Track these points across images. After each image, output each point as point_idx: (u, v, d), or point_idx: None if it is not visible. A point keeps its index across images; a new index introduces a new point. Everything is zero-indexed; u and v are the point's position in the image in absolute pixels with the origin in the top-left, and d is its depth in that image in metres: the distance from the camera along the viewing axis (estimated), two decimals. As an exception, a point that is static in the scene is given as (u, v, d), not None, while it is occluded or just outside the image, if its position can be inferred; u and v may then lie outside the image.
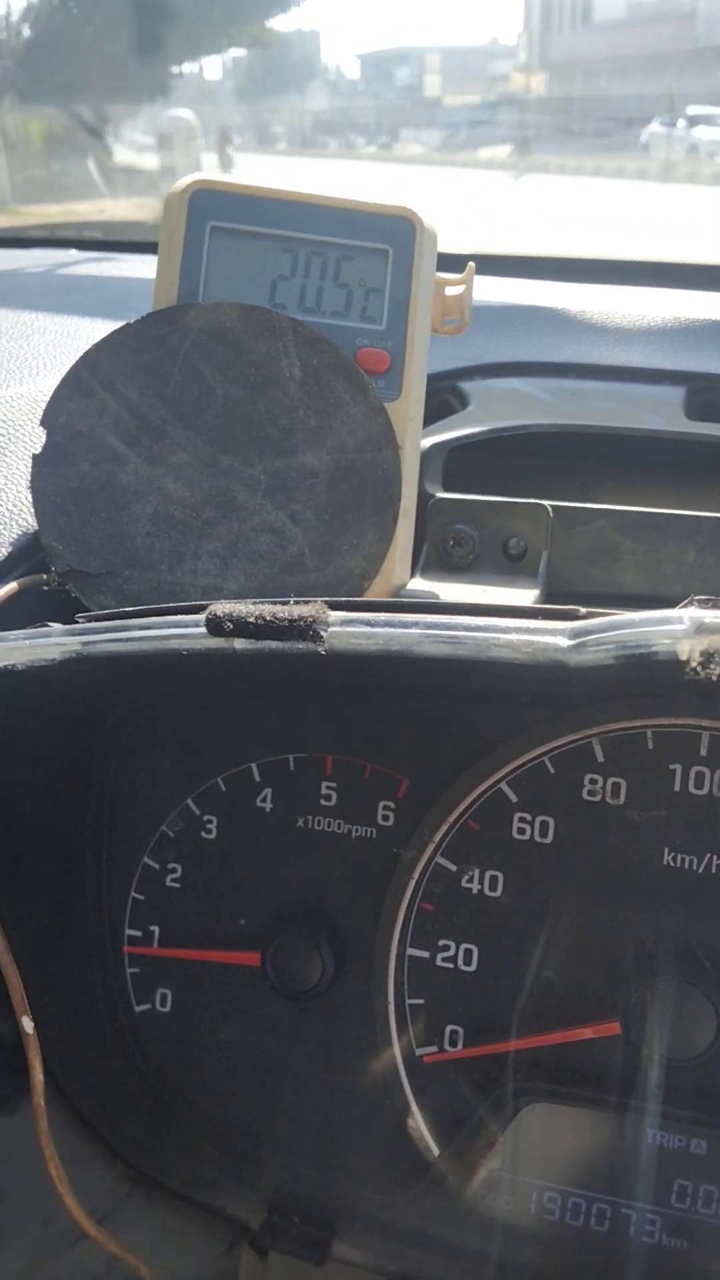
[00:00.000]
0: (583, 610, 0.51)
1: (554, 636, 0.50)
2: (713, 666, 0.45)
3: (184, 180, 0.81)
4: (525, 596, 0.78)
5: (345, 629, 0.53)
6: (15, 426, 0.86)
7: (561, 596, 0.81)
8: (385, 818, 0.77)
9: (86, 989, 0.81)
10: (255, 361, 0.78)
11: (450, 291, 0.86)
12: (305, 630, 0.52)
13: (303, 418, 0.78)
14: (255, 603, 0.53)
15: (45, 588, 0.75)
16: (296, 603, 0.53)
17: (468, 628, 0.51)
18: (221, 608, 0.53)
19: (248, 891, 0.79)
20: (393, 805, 0.76)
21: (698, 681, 0.46)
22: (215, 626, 0.53)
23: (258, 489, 0.77)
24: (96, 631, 0.59)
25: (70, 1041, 0.80)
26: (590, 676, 0.49)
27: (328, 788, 0.78)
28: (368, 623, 0.52)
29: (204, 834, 0.80)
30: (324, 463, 0.78)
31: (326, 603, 0.53)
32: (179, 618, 0.56)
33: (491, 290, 1.26)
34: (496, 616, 0.51)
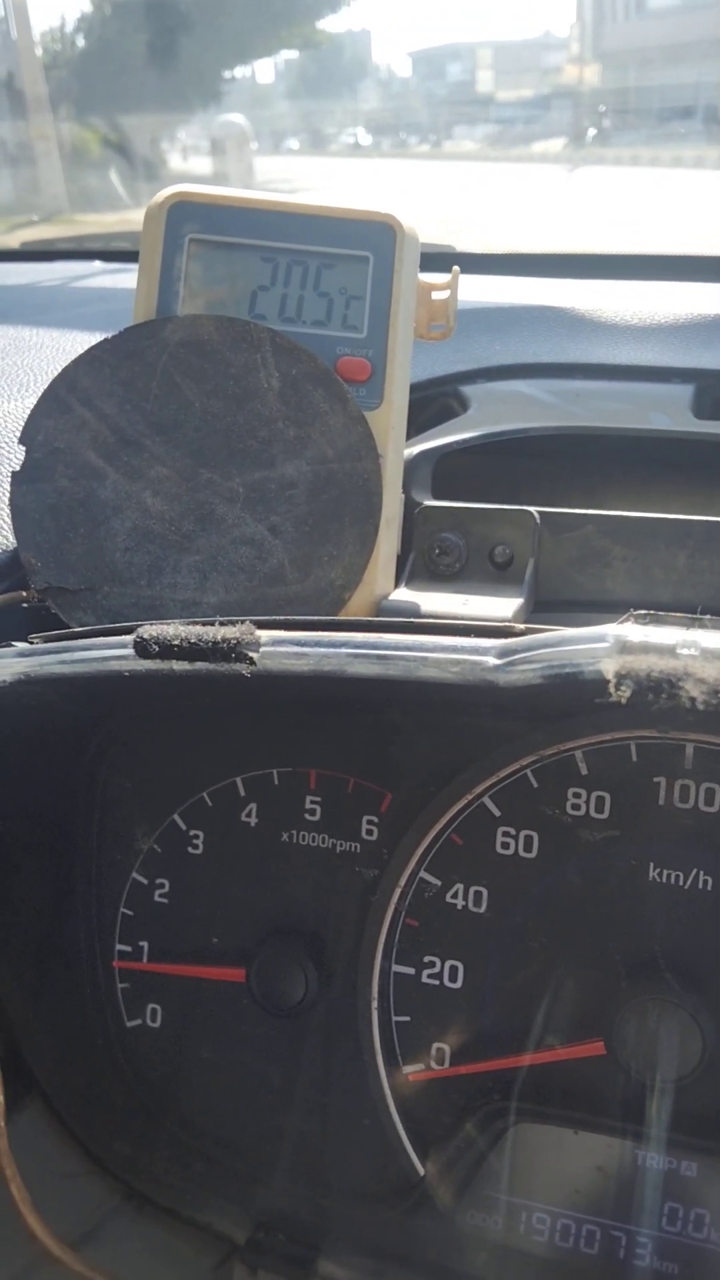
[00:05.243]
0: (520, 626, 0.50)
1: (482, 655, 0.49)
2: (623, 689, 0.43)
3: (162, 193, 0.81)
4: (510, 606, 0.76)
5: (276, 649, 0.52)
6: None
7: (549, 605, 0.80)
8: (369, 832, 0.76)
9: (78, 1004, 0.81)
10: (233, 373, 0.78)
11: (437, 296, 0.84)
12: (229, 651, 0.51)
13: (282, 429, 0.77)
14: (185, 623, 0.53)
15: (25, 605, 0.75)
16: (222, 623, 0.53)
17: (398, 646, 0.50)
18: (148, 630, 0.53)
19: (233, 907, 0.79)
20: (376, 820, 0.75)
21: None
22: (142, 649, 0.52)
23: (237, 501, 0.77)
24: (43, 654, 0.59)
25: (61, 1056, 0.80)
26: (521, 696, 0.48)
27: (312, 802, 0.77)
28: (298, 643, 0.52)
29: (190, 849, 0.79)
30: (303, 474, 0.77)
31: (254, 622, 0.53)
32: (117, 639, 0.55)
33: (500, 291, 1.24)
34: (431, 634, 0.50)
